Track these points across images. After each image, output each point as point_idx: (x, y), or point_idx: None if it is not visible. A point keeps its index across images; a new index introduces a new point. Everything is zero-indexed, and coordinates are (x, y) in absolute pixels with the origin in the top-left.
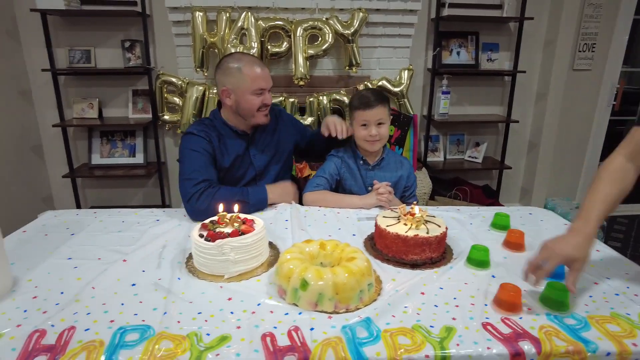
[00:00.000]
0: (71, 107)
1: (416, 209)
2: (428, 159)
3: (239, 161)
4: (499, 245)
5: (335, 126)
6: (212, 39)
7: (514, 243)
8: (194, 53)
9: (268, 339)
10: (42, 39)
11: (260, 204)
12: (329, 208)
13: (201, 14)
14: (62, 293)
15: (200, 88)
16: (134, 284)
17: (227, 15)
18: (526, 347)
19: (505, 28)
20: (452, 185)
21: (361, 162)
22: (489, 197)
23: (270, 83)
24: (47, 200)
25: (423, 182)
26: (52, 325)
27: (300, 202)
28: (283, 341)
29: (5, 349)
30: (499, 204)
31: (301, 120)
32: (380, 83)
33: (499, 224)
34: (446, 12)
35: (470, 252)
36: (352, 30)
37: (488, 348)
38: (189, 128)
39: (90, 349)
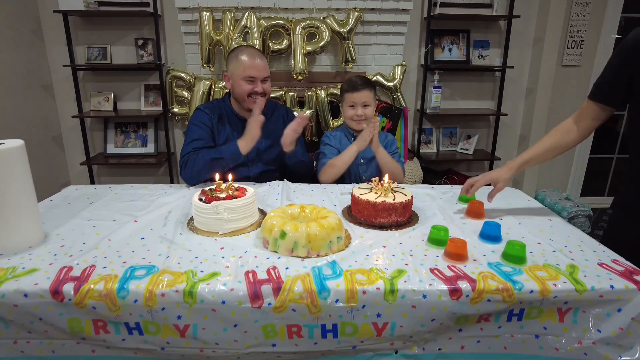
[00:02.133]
0: (89, 100)
1: (386, 178)
2: (421, 151)
3: (234, 140)
4: (461, 215)
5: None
6: (217, 37)
7: (474, 212)
8: (201, 50)
9: (250, 274)
10: (64, 37)
11: (235, 156)
12: (317, 184)
13: (208, 13)
14: (84, 243)
15: (207, 83)
16: (143, 238)
17: (232, 14)
18: (463, 285)
19: (496, 26)
20: (443, 176)
21: (352, 138)
22: None
23: (263, 74)
24: (65, 186)
25: (414, 170)
26: (77, 264)
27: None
28: (262, 276)
29: (42, 278)
30: None
31: (301, 114)
32: (374, 78)
33: (465, 198)
34: (438, 11)
35: (430, 233)
36: (347, 29)
37: (430, 285)
38: (200, 105)
39: (107, 280)
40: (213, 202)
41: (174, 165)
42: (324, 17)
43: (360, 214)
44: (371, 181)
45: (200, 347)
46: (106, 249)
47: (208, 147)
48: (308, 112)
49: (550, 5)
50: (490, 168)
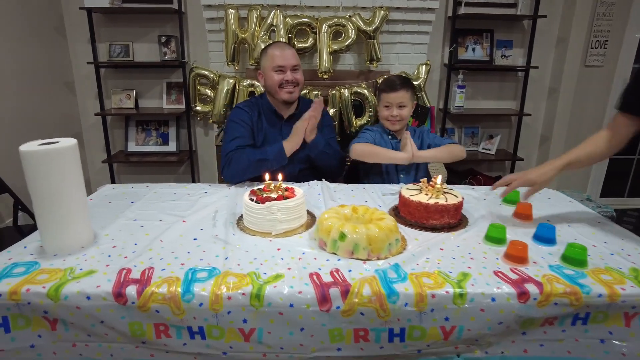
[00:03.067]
0: (110, 97)
1: (438, 179)
2: None
3: (271, 138)
4: (509, 216)
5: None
6: (243, 35)
7: (523, 214)
8: (226, 48)
9: (315, 276)
10: (86, 34)
11: (280, 157)
12: (357, 185)
13: (233, 11)
14: (135, 244)
15: (231, 81)
16: (195, 238)
17: (258, 12)
18: (531, 288)
19: (519, 26)
20: (466, 176)
21: (390, 136)
22: None
23: (292, 61)
24: (86, 185)
25: (439, 170)
26: (135, 266)
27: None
28: (327, 278)
29: (102, 280)
30: None
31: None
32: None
33: (510, 199)
34: (462, 10)
35: (488, 231)
36: (373, 27)
37: (498, 288)
38: (238, 103)
39: (170, 282)
40: (267, 203)
41: (195, 164)
42: (350, 16)
43: (411, 216)
44: (419, 182)
45: (264, 351)
46: (160, 250)
47: (250, 145)
48: (320, 97)
49: (576, 5)
50: (512, 169)
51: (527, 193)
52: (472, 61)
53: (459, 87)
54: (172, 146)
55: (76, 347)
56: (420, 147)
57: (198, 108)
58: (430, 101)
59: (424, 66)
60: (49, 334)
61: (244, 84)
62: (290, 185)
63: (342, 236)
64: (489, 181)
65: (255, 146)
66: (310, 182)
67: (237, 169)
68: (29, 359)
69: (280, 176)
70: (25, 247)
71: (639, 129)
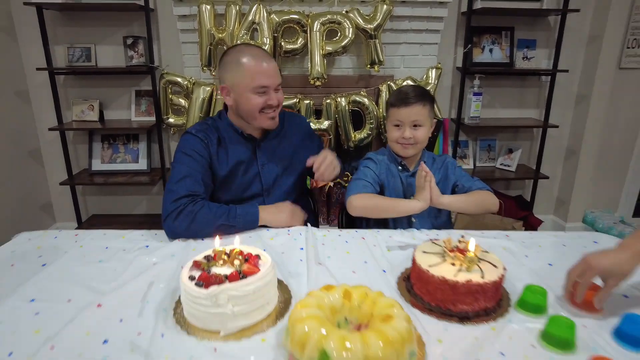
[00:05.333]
0: (71, 108)
1: (471, 244)
2: None
3: (242, 168)
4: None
5: (321, 162)
6: (220, 35)
7: (589, 303)
8: (200, 50)
9: None
10: (39, 35)
11: (251, 226)
12: (353, 231)
13: (208, 7)
14: (10, 354)
15: (208, 89)
16: (105, 341)
17: (237, 8)
18: None
19: (544, 22)
20: None
21: (399, 167)
22: (522, 209)
23: (276, 81)
24: (46, 208)
25: None
26: None
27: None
28: None
29: None
30: (534, 217)
31: (317, 124)
32: (404, 83)
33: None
34: (479, 4)
35: (547, 325)
36: (374, 25)
37: None
38: (189, 127)
39: None
40: (212, 288)
41: None
42: (346, 11)
43: (431, 297)
44: (440, 242)
45: None
46: None
47: (206, 186)
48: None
49: None
50: (534, 187)
51: (599, 295)
52: (490, 64)
53: (474, 94)
54: (142, 164)
55: None
56: (442, 182)
57: (171, 120)
58: (441, 111)
59: (434, 70)
60: None
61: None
62: (256, 249)
63: (324, 357)
64: (508, 202)
65: (215, 184)
66: (291, 228)
67: (190, 227)
68: None
69: (237, 239)
70: None
71: None
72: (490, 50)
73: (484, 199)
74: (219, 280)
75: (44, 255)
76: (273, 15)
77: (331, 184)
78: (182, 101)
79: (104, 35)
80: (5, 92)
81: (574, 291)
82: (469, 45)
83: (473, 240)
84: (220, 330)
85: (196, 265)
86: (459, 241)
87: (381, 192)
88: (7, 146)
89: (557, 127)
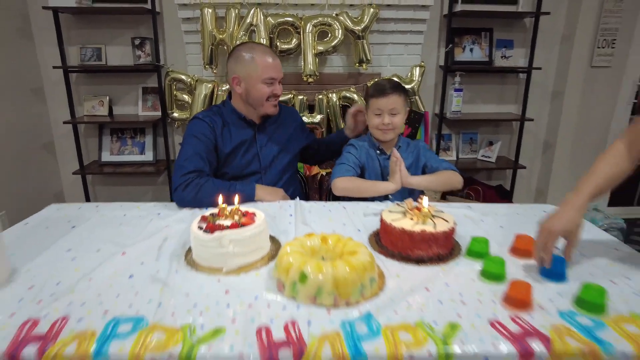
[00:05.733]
0: (82, 104)
1: (424, 202)
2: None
3: (244, 148)
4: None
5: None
6: (221, 36)
7: (522, 250)
8: (202, 50)
9: (263, 332)
10: (55, 36)
11: (248, 199)
12: (336, 202)
13: (210, 10)
14: (57, 284)
15: (209, 85)
16: (131, 276)
17: (236, 11)
18: (536, 346)
19: (521, 24)
20: (464, 185)
21: (378, 151)
22: (502, 197)
23: (281, 74)
24: (58, 197)
25: None
26: (46, 315)
27: (320, 186)
28: (279, 335)
29: None
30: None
31: (310, 118)
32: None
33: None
34: (459, 7)
35: (485, 265)
36: (362, 27)
37: (493, 345)
38: (197, 113)
39: (82, 339)
40: (216, 233)
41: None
42: (336, 14)
43: (393, 246)
44: (404, 203)
45: None
46: (85, 291)
47: (210, 164)
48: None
49: (582, 0)
50: (514, 177)
51: (567, 252)
52: (470, 62)
53: (455, 90)
54: (148, 155)
55: None
56: (414, 164)
57: (175, 115)
58: (424, 106)
59: (418, 68)
60: None
61: (223, 88)
62: (253, 208)
63: (303, 277)
64: (489, 192)
65: (219, 161)
66: (282, 201)
67: (196, 196)
68: None
69: (236, 198)
70: None
71: None
72: (471, 50)
73: (449, 177)
74: (222, 228)
75: (72, 221)
76: (269, 18)
77: (323, 172)
78: (186, 97)
79: (113, 36)
80: (22, 89)
81: (545, 258)
82: (450, 45)
83: (426, 199)
84: (223, 267)
85: (204, 219)
86: (417, 201)
87: (362, 174)
88: (23, 139)
89: (532, 120)
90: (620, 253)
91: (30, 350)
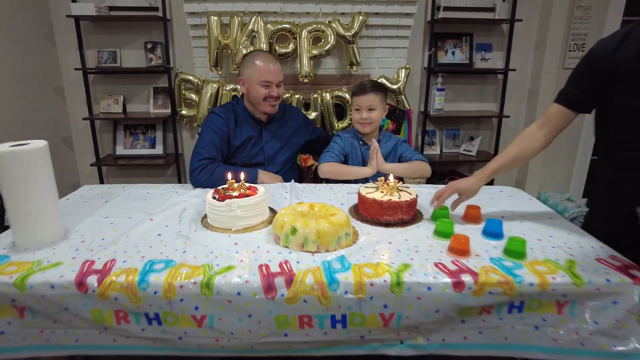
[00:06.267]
0: (99, 102)
1: (391, 178)
2: (425, 152)
3: (251, 142)
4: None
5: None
6: (225, 41)
7: (472, 216)
8: (209, 53)
9: (264, 267)
10: (75, 41)
11: (249, 182)
12: (325, 184)
13: (216, 18)
14: (103, 239)
15: (215, 85)
16: (159, 234)
17: (239, 19)
18: (466, 278)
19: (498, 29)
20: (446, 177)
21: (360, 142)
22: None
23: (278, 78)
24: (75, 187)
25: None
26: (99, 258)
27: (314, 177)
28: (275, 269)
29: (67, 270)
30: None
31: (306, 114)
32: (379, 81)
33: (439, 214)
34: (441, 15)
35: (437, 226)
36: (352, 33)
37: (435, 278)
38: (214, 108)
39: (128, 273)
40: (227, 200)
41: (182, 167)
42: (329, 22)
43: (367, 212)
44: (377, 181)
45: (216, 337)
46: (125, 244)
47: (222, 153)
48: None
49: (552, 9)
50: None
51: (454, 203)
52: (452, 64)
53: (438, 89)
54: (159, 149)
55: (43, 333)
56: (391, 153)
57: (183, 112)
58: (411, 104)
59: (403, 70)
60: (18, 320)
61: (227, 88)
62: (254, 185)
63: (294, 230)
64: None
65: (230, 151)
66: (279, 183)
67: (210, 179)
68: None
69: (242, 175)
70: None
71: (567, 125)
72: (453, 53)
73: (419, 166)
74: (231, 197)
75: (104, 197)
76: (269, 25)
77: (317, 164)
78: (193, 96)
79: (127, 41)
80: (45, 88)
81: (437, 200)
82: (433, 49)
83: (391, 177)
84: (232, 227)
85: (216, 191)
86: (388, 180)
87: (346, 161)
88: (45, 134)
89: (508, 117)
90: (553, 220)
91: (92, 279)
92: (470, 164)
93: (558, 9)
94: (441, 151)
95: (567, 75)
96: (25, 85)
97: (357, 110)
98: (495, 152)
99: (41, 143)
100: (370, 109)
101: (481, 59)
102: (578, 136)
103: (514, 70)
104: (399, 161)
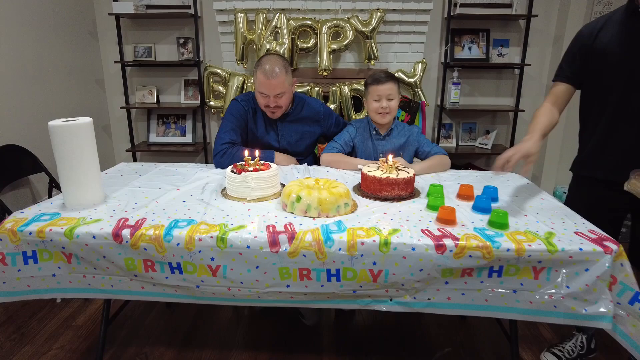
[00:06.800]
0: (134, 93)
1: (389, 159)
2: (441, 145)
3: (268, 135)
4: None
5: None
6: (251, 36)
7: (465, 195)
8: (235, 48)
9: (271, 227)
10: (115, 37)
11: (266, 160)
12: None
13: (242, 15)
14: (135, 203)
15: (241, 78)
16: (184, 201)
17: (264, 16)
18: (448, 242)
19: (515, 25)
20: (462, 168)
21: (374, 132)
22: None
23: (274, 91)
24: None
25: None
26: (132, 217)
27: (317, 163)
28: (280, 228)
29: (106, 225)
30: None
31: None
32: (396, 74)
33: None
34: (458, 11)
35: (429, 200)
36: (370, 28)
37: (419, 240)
38: (236, 96)
39: (155, 228)
40: (242, 173)
41: (209, 154)
42: (348, 18)
43: (368, 188)
44: (379, 161)
45: (228, 285)
46: (154, 207)
47: (241, 137)
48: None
49: (570, 4)
50: None
51: (526, 168)
52: (469, 59)
53: (454, 84)
54: (188, 138)
55: (86, 278)
56: (405, 146)
57: (212, 103)
58: (427, 98)
59: (420, 64)
60: (66, 266)
61: (252, 81)
62: (270, 163)
63: (298, 198)
64: None
65: (248, 137)
66: (293, 165)
67: (229, 162)
68: (51, 285)
69: (257, 152)
70: (51, 202)
71: (569, 100)
72: (469, 48)
73: (440, 162)
74: (247, 171)
75: (138, 172)
76: (291, 22)
77: None
78: (221, 88)
79: (162, 36)
80: (88, 80)
81: (502, 166)
82: (449, 44)
83: (390, 157)
84: (246, 197)
85: (234, 166)
86: (387, 159)
87: (353, 153)
88: None
89: (523, 111)
90: (544, 201)
91: (126, 232)
92: (486, 157)
93: (577, 4)
94: (457, 144)
95: None
96: (71, 77)
97: (377, 100)
98: (511, 146)
99: (87, 119)
100: (389, 99)
101: (498, 54)
102: None
103: (530, 65)
104: (417, 154)
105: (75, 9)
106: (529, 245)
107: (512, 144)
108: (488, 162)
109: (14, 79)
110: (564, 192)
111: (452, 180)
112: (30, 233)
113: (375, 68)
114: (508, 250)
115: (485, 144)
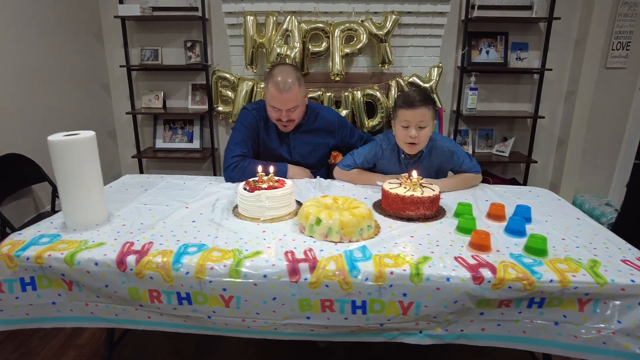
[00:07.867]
0: (140, 98)
1: (414, 174)
2: None
3: (280, 147)
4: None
5: None
6: (260, 40)
7: (495, 215)
8: (245, 52)
9: (289, 254)
10: (121, 40)
11: (279, 176)
12: (349, 184)
13: (252, 17)
14: (142, 224)
15: (250, 83)
16: (194, 221)
17: (274, 18)
18: (485, 272)
19: (535, 28)
20: None
21: (402, 155)
22: None
23: (287, 105)
24: (117, 178)
25: None
26: (137, 240)
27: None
28: (300, 255)
29: (109, 250)
30: None
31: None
32: (410, 79)
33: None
34: (475, 13)
35: (459, 222)
36: (384, 31)
37: (453, 270)
38: (247, 105)
39: (164, 254)
40: (256, 191)
41: (217, 161)
42: (362, 21)
43: (390, 207)
44: (401, 176)
45: (243, 317)
46: (162, 229)
47: (252, 149)
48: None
49: (594, 6)
50: (527, 171)
51: None
52: (486, 64)
53: (471, 89)
54: (196, 144)
55: (88, 306)
56: (436, 171)
57: (220, 108)
58: (443, 103)
59: (436, 69)
60: (67, 293)
61: (262, 86)
62: (285, 179)
63: (318, 221)
64: (499, 182)
65: (259, 147)
66: (307, 178)
67: (242, 176)
68: (51, 314)
69: (271, 168)
70: (51, 222)
71: None
72: (487, 52)
73: (468, 181)
74: (260, 188)
75: (144, 185)
76: (302, 24)
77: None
78: (230, 93)
79: (168, 39)
80: (93, 84)
81: None
82: (466, 48)
83: (415, 173)
84: (260, 217)
85: (247, 183)
86: (410, 175)
87: (375, 171)
88: (91, 127)
89: (543, 117)
90: (580, 222)
91: (131, 259)
92: (503, 165)
93: (601, 6)
94: (473, 151)
95: (610, 75)
96: (76, 81)
97: (405, 127)
98: (530, 154)
99: (89, 134)
100: (420, 126)
101: (516, 58)
102: (620, 138)
103: (551, 70)
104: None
105: (80, 11)
106: (573, 276)
107: (530, 152)
108: (505, 170)
109: (16, 83)
110: (584, 202)
111: (479, 195)
112: (27, 259)
113: (389, 72)
114: (551, 281)
115: (503, 152)
